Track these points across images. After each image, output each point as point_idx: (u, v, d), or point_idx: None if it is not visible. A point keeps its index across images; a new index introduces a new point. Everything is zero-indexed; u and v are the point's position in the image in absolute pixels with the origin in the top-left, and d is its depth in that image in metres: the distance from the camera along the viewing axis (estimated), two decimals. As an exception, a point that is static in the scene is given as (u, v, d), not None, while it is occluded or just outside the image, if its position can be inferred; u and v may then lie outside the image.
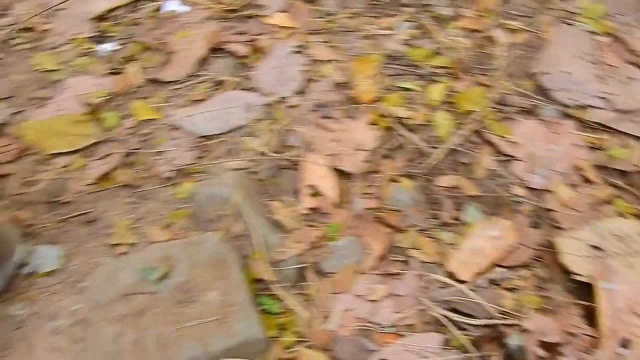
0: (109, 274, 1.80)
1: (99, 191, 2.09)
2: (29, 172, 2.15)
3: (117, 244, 1.94)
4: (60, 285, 1.86)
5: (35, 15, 2.67)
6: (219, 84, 2.36)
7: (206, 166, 2.12)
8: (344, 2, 2.60)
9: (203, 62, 2.43)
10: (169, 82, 2.39)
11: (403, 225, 1.94)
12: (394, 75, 2.32)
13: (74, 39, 2.57)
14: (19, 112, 2.33)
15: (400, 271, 1.85)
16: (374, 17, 2.54)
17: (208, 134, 2.22)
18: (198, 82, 2.38)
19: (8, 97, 2.37)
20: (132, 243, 1.94)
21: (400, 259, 1.88)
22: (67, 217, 2.03)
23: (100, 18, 2.64)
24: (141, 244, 1.94)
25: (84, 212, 2.04)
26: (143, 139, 2.22)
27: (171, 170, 2.12)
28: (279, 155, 2.12)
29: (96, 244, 1.95)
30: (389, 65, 2.35)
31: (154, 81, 2.39)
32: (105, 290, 1.77)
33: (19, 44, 2.57)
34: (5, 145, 2.22)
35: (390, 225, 1.95)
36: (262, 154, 2.12)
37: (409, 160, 2.09)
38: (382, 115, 2.19)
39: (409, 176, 2.05)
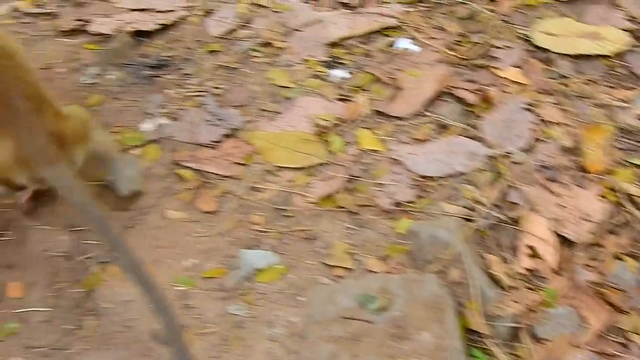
0: (328, 294, 1.86)
1: (319, 211, 2.16)
2: (256, 179, 2.26)
3: (335, 266, 2.00)
4: (279, 295, 1.93)
5: (274, 32, 2.80)
6: (443, 128, 2.40)
7: (425, 206, 2.15)
8: (580, 67, 2.57)
9: (430, 103, 2.48)
10: (395, 117, 2.45)
11: (625, 307, 1.88)
12: (626, 149, 2.27)
13: (307, 61, 2.68)
14: (251, 120, 2.45)
15: (618, 353, 1.79)
16: (610, 86, 2.50)
17: (428, 175, 2.25)
18: (423, 122, 2.42)
19: (243, 105, 2.50)
20: (348, 268, 2.00)
21: (620, 341, 1.82)
22: (288, 229, 2.11)
23: (334, 45, 2.75)
24: (357, 270, 2.00)
25: (304, 228, 2.11)
26: (365, 168, 2.29)
27: (390, 204, 2.16)
28: (498, 209, 2.11)
29: (314, 262, 2.02)
30: (621, 139, 2.30)
31: (380, 114, 2.46)
32: (324, 309, 1.83)
33: (257, 57, 2.71)
34: (236, 147, 2.35)
35: (611, 304, 1.89)
36: (482, 204, 2.12)
37: (635, 240, 2.03)
38: (611, 189, 2.13)
39: (635, 257, 1.99)
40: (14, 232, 2.13)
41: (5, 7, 2.98)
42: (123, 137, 2.41)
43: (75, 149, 1.90)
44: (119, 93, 2.59)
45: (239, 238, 2.11)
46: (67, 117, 1.90)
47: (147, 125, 2.46)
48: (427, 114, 2.46)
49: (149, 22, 2.84)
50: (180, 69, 2.69)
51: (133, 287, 1.67)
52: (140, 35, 2.81)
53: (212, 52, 2.76)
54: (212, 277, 2.01)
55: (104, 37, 2.79)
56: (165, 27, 2.87)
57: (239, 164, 2.32)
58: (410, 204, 2.17)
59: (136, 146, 2.40)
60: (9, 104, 1.77)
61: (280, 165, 2.32)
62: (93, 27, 2.82)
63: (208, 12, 2.96)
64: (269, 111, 2.51)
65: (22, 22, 2.93)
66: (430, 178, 2.25)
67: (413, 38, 2.76)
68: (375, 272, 1.99)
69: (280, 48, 2.77)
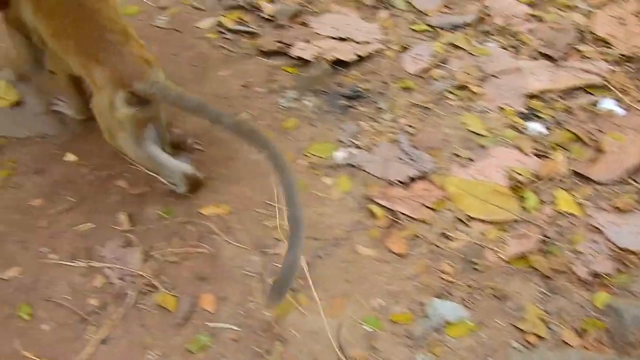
0: (523, 362, 1.80)
1: (511, 269, 2.10)
2: (447, 226, 2.22)
3: (527, 332, 1.93)
4: (468, 353, 1.91)
5: (470, 75, 2.77)
6: (647, 199, 2.27)
7: (626, 282, 2.04)
8: None
9: (634, 171, 2.38)
10: (595, 181, 2.35)
11: None
12: None
13: (503, 109, 2.63)
14: (443, 164, 2.42)
15: None
16: None
17: (630, 249, 2.14)
18: (626, 191, 2.33)
19: (435, 148, 2.48)
20: (542, 336, 1.92)
21: None
22: (478, 284, 2.06)
23: (533, 96, 2.69)
24: (551, 340, 1.92)
25: (495, 285, 2.06)
26: (560, 231, 2.21)
27: (587, 274, 2.08)
28: None
29: (504, 323, 1.97)
30: None
31: (579, 175, 2.37)
32: (519, 377, 1.76)
33: (451, 99, 2.69)
34: (427, 190, 2.32)
35: None
36: (690, 290, 1.98)
37: None
38: None
39: None
40: (208, 246, 2.20)
41: (210, 20, 3.11)
42: (316, 163, 2.43)
43: (157, 70, 2.12)
44: (313, 119, 2.63)
45: (427, 285, 2.08)
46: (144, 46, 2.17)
47: (340, 155, 2.48)
48: (631, 182, 2.35)
49: (347, 52, 2.88)
50: (375, 102, 2.70)
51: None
52: (337, 63, 2.85)
53: (406, 89, 2.76)
54: (399, 322, 1.98)
55: (303, 62, 2.85)
56: (361, 59, 2.89)
57: (429, 207, 2.30)
58: (609, 277, 2.07)
59: (327, 174, 2.41)
60: (104, 38, 2.07)
61: (472, 215, 2.28)
62: (294, 51, 2.88)
63: (404, 48, 2.96)
64: (461, 157, 2.47)
65: (225, 38, 3.04)
66: (632, 252, 2.14)
67: (618, 99, 2.65)
68: (571, 345, 1.90)
69: (476, 93, 2.73)
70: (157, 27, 3.08)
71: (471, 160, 2.46)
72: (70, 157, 2.47)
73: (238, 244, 2.20)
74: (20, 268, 2.15)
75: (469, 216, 2.27)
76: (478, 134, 2.55)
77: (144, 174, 2.40)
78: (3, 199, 2.34)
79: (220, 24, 3.10)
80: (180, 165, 2.27)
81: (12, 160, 2.48)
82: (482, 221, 2.26)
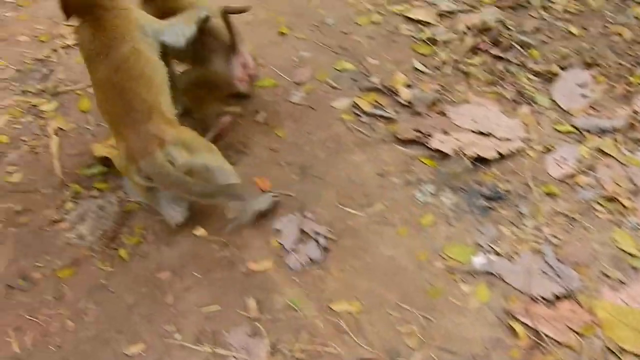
0: None
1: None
2: (596, 356, 2.05)
3: None
4: None
5: (620, 187, 2.59)
6: None
7: None
8: None
9: None
10: None
11: None
12: None
13: (655, 229, 2.43)
14: (591, 284, 2.24)
15: None
16: None
17: None
18: None
19: (583, 265, 2.30)
20: None
21: None
22: None
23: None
24: None
25: None
26: None
27: None
28: None
29: None
30: None
31: None
32: None
33: (600, 211, 2.51)
34: (574, 312, 2.14)
35: None
36: None
37: None
38: None
39: None
40: (338, 346, 2.09)
41: (346, 100, 3.06)
42: (452, 266, 2.30)
43: (173, 150, 2.24)
44: (451, 218, 2.51)
45: (575, 423, 1.88)
46: (173, 126, 2.29)
47: (479, 260, 2.34)
48: None
49: (488, 149, 2.76)
50: (516, 205, 2.55)
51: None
52: (477, 160, 2.73)
53: (550, 194, 2.60)
54: None
55: (442, 155, 2.74)
56: (502, 156, 2.76)
57: (576, 332, 2.11)
58: None
59: (464, 280, 2.27)
60: (129, 115, 2.23)
61: (625, 347, 2.09)
62: (432, 143, 2.78)
63: (547, 149, 2.82)
64: (611, 278, 2.28)
65: (360, 120, 2.97)
66: None
67: None
68: None
69: (627, 207, 2.55)
70: (292, 102, 3.05)
71: (622, 282, 2.27)
72: (201, 231, 2.42)
73: (369, 348, 2.08)
74: (144, 345, 2.09)
75: (621, 348, 2.08)
76: (630, 254, 2.36)
77: (273, 257, 2.33)
78: (132, 268, 2.31)
79: (355, 105, 3.04)
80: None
81: (142, 228, 2.45)
82: (637, 356, 2.05)
